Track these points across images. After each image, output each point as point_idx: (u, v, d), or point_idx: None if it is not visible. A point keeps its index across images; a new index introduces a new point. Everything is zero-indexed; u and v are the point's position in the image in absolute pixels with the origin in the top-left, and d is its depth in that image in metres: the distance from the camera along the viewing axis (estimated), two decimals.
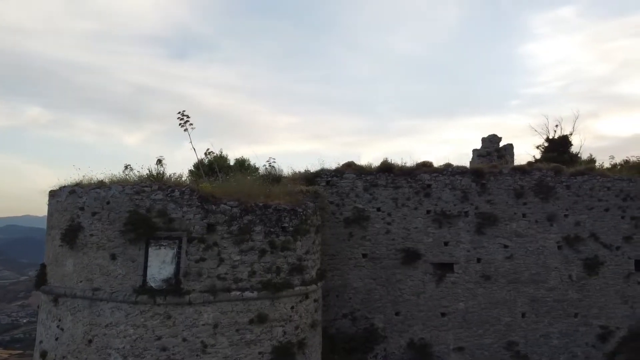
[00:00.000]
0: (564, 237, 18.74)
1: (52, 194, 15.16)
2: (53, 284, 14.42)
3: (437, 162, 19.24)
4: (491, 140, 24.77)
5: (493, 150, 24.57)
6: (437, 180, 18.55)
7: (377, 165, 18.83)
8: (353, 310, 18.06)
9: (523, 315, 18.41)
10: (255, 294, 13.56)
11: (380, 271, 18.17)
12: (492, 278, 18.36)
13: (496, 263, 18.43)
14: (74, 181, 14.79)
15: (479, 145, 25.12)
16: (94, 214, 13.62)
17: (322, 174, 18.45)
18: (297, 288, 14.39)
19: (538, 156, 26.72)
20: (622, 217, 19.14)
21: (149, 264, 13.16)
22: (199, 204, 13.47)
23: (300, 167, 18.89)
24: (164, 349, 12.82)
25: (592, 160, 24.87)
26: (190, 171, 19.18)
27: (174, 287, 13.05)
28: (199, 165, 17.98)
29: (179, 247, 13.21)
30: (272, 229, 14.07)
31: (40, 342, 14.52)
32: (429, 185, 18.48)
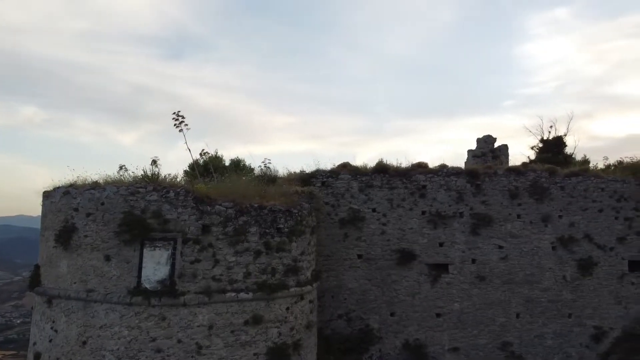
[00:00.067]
0: (558, 238, 18.81)
1: (46, 195, 15.08)
2: (47, 285, 14.36)
3: (433, 163, 19.31)
4: (486, 141, 24.84)
5: (488, 151, 24.64)
6: (432, 181, 18.58)
7: (372, 166, 18.85)
8: (348, 311, 18.07)
9: (517, 315, 18.48)
10: (250, 295, 13.55)
11: (376, 272, 18.18)
12: (486, 279, 18.41)
13: (491, 264, 18.48)
14: (68, 182, 14.72)
15: (474, 146, 25.19)
16: (88, 215, 13.57)
17: (317, 174, 18.45)
18: (292, 289, 14.38)
19: (533, 157, 26.83)
20: (616, 218, 19.23)
21: (143, 265, 13.13)
22: (194, 205, 13.44)
23: (296, 168, 18.91)
24: (158, 351, 12.79)
25: (586, 161, 25.00)
26: (185, 172, 19.13)
27: (168, 289, 13.03)
28: (194, 165, 17.93)
29: (174, 248, 13.18)
30: (267, 230, 14.05)
31: (34, 343, 14.45)
32: (424, 186, 18.51)
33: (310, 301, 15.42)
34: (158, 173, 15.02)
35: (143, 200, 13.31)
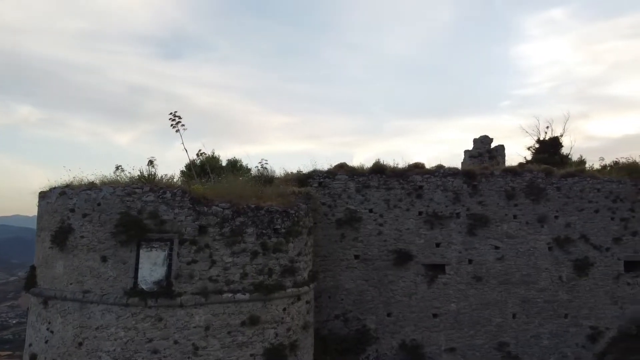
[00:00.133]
0: (555, 239, 18.87)
1: (42, 195, 15.03)
2: (43, 286, 14.31)
3: (430, 163, 19.34)
4: (482, 141, 24.90)
5: (484, 151, 24.70)
6: (429, 181, 18.61)
7: (369, 166, 18.87)
8: (345, 311, 18.08)
9: (514, 316, 18.52)
10: (247, 295, 13.54)
11: (373, 272, 18.19)
12: (483, 279, 18.45)
13: (487, 264, 18.52)
14: (64, 182, 14.68)
15: (471, 146, 25.24)
16: (84, 215, 13.53)
17: (314, 175, 18.45)
18: (289, 290, 14.38)
19: (529, 157, 26.90)
20: (612, 219, 19.30)
21: (140, 266, 13.10)
22: (191, 205, 13.42)
23: (293, 168, 18.92)
24: (155, 352, 12.77)
25: (582, 162, 25.09)
26: (182, 172, 19.10)
27: (165, 289, 13.00)
28: (190, 166, 17.90)
29: (171, 249, 13.15)
30: (264, 231, 14.05)
31: (30, 344, 14.40)
32: (420, 187, 18.53)
33: (307, 302, 15.42)
34: (155, 173, 15.01)
35: (140, 200, 13.28)
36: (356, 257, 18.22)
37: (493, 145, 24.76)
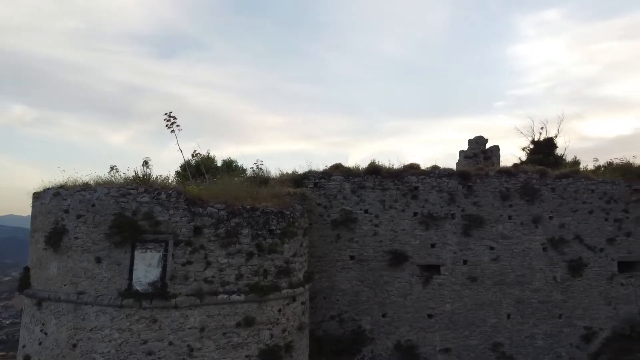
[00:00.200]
0: (549, 239, 18.95)
1: (36, 196, 14.94)
2: (37, 288, 14.23)
3: (425, 163, 19.36)
4: (477, 142, 24.95)
5: (480, 152, 24.75)
6: (424, 182, 18.63)
7: (365, 167, 18.88)
8: (340, 312, 18.08)
9: (508, 316, 18.59)
10: (242, 297, 13.51)
11: (368, 273, 18.20)
12: (478, 280, 18.50)
13: (482, 265, 18.57)
14: (58, 183, 14.59)
15: (466, 146, 25.29)
16: (78, 216, 13.47)
17: (309, 175, 18.43)
18: (284, 291, 14.36)
19: (524, 158, 27.01)
20: (606, 219, 19.40)
21: (134, 267, 13.04)
22: (186, 206, 13.38)
23: (289, 168, 18.90)
24: (149, 353, 12.72)
25: (576, 163, 25.20)
26: (177, 173, 19.04)
27: (160, 291, 12.95)
28: (185, 166, 17.84)
29: (165, 250, 13.11)
30: (259, 232, 14.02)
31: (24, 346, 14.33)
32: (416, 188, 18.56)
33: (303, 303, 15.41)
34: (149, 174, 14.94)
35: (134, 201, 13.23)
36: (352, 257, 18.22)
37: (488, 145, 24.81)
